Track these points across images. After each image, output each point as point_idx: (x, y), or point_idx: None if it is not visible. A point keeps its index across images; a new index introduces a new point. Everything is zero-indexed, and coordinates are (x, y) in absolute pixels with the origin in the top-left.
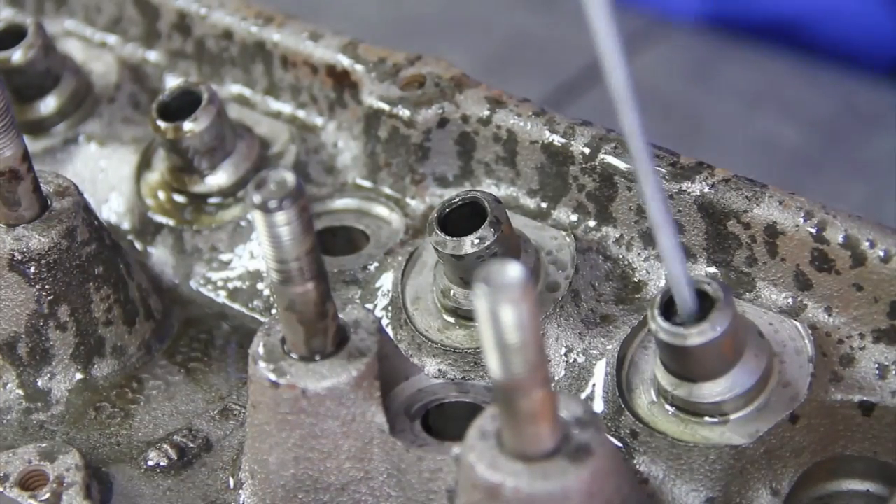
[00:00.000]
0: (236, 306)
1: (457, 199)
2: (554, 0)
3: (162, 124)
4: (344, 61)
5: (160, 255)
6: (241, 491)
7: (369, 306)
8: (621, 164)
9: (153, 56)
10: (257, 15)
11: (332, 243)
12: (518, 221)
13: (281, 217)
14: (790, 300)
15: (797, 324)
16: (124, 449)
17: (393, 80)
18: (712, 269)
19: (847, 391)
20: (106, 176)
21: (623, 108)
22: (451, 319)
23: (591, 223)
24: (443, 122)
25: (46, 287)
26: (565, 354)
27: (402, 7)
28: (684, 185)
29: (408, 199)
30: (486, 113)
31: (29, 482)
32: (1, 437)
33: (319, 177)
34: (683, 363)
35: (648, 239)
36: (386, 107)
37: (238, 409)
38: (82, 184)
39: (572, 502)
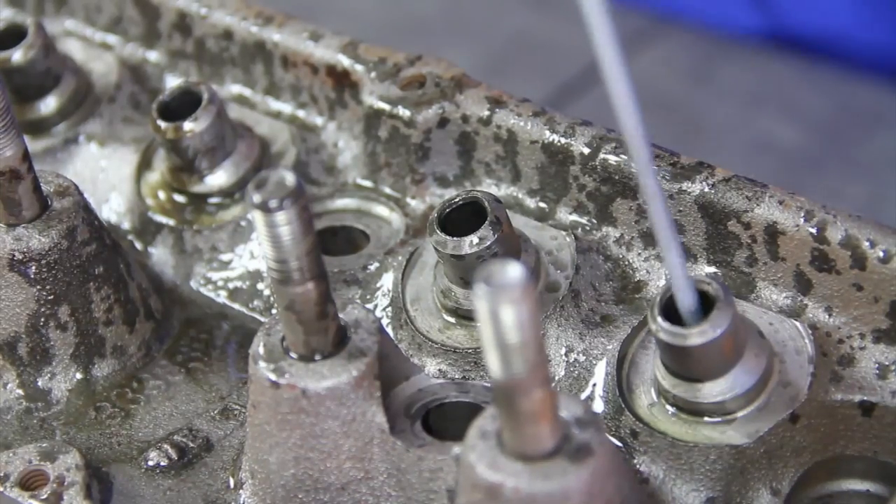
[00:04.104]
0: (236, 306)
1: (457, 199)
2: (554, 0)
3: (162, 124)
4: (344, 61)
5: (160, 255)
6: (241, 491)
7: (369, 306)
8: (622, 164)
9: (153, 56)
10: (257, 15)
11: (332, 243)
12: (518, 221)
13: (281, 217)
14: (790, 300)
15: (797, 324)
16: (125, 449)
17: (393, 80)
18: (712, 269)
19: (847, 391)
20: (106, 176)
21: (623, 109)
22: (452, 319)
23: (592, 223)
24: (443, 121)
25: (47, 287)
26: (565, 354)
27: (403, 7)
28: (684, 185)
29: (408, 199)
30: (487, 113)
31: (29, 482)
32: (1, 437)
33: (320, 177)
34: (684, 363)
35: (648, 239)
36: (386, 107)
37: (238, 408)
38: (82, 184)
39: (572, 502)
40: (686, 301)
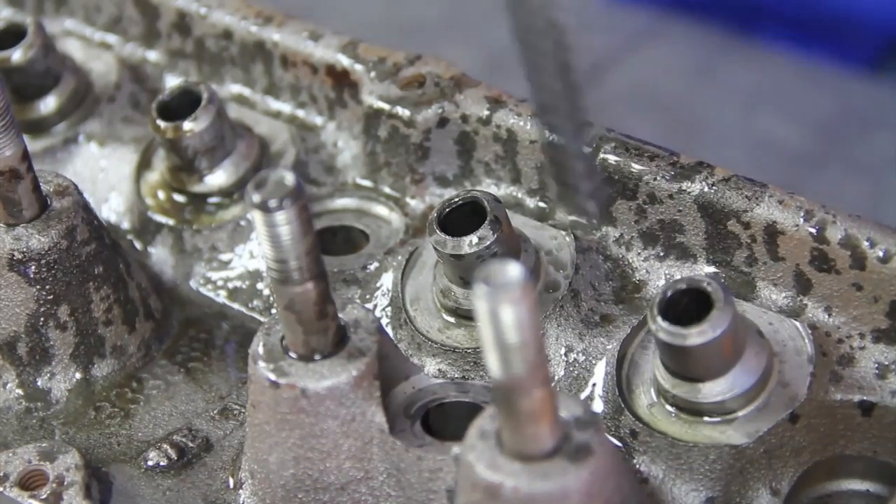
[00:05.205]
0: (236, 306)
1: (456, 199)
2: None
3: (162, 124)
4: (344, 61)
5: (160, 254)
6: (240, 491)
7: (369, 306)
8: (622, 164)
9: (153, 56)
10: (257, 14)
11: (331, 243)
12: (518, 221)
13: (280, 217)
14: (790, 300)
15: (797, 323)
16: (124, 449)
17: (393, 80)
18: (712, 269)
19: (847, 391)
20: (106, 175)
21: None
22: (451, 319)
23: (592, 223)
24: (442, 121)
25: (46, 287)
26: (565, 354)
27: (403, 7)
28: (684, 185)
29: (408, 199)
30: (486, 112)
31: (29, 482)
32: (0, 437)
33: (319, 176)
34: (683, 363)
35: (648, 239)
36: (386, 106)
37: (238, 408)
38: (82, 183)
39: (572, 502)
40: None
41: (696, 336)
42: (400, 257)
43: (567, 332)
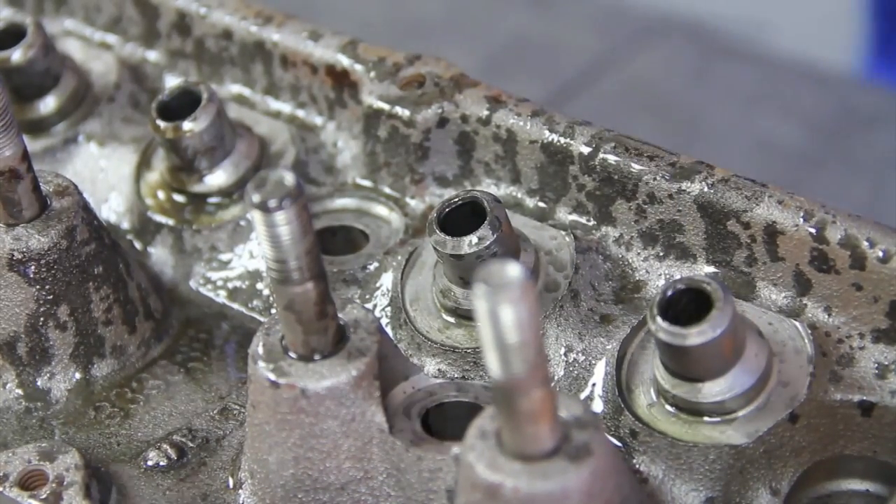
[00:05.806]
0: (236, 306)
1: (456, 199)
2: (553, 2)
3: (161, 124)
4: (343, 61)
5: (160, 254)
6: (240, 490)
7: (369, 306)
8: (621, 164)
9: (153, 56)
10: (257, 14)
11: (331, 243)
12: (517, 221)
13: (280, 217)
14: (789, 300)
15: (797, 323)
16: (124, 448)
17: (392, 80)
18: (712, 269)
19: (846, 391)
20: (105, 175)
21: None
22: (451, 319)
23: (591, 223)
24: (442, 121)
25: (46, 287)
26: (565, 354)
27: (403, 8)
28: (683, 185)
29: (407, 199)
30: (486, 112)
31: (29, 482)
32: (0, 437)
33: (319, 176)
34: (683, 363)
35: (648, 239)
36: (385, 106)
37: (238, 408)
38: (82, 183)
39: (572, 502)
40: None
41: (695, 336)
42: (400, 257)
43: (567, 332)
